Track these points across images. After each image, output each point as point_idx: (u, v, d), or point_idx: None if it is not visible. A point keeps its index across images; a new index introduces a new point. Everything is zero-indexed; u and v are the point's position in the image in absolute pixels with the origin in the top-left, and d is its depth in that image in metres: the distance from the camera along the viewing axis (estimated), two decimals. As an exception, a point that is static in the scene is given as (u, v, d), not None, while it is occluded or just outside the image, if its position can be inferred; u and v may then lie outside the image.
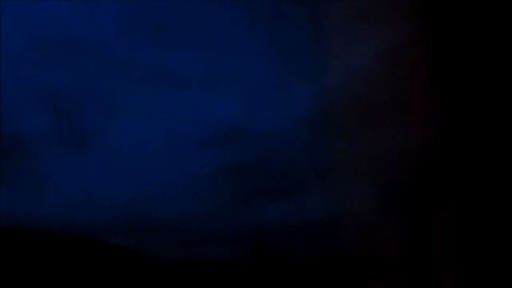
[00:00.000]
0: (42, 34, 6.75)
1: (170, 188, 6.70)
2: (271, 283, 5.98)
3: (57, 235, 5.95)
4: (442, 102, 3.28)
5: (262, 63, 6.81)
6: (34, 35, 6.71)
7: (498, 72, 2.97)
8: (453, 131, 3.23)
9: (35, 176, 6.46)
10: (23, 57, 6.58)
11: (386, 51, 3.78)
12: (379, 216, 4.22)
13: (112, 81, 6.93)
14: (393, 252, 4.08)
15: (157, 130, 6.98)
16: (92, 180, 6.52)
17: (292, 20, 6.03)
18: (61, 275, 5.68)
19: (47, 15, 6.74)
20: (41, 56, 6.65)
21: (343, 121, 4.33)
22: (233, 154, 6.78)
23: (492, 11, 3.00)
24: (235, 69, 6.95)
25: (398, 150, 3.80)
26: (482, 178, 3.16)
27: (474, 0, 3.05)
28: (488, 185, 3.09)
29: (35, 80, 6.61)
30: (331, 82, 4.68)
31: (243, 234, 6.22)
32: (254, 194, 6.55)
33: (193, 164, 6.78)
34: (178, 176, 6.78)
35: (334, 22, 4.18)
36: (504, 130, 2.95)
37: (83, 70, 6.81)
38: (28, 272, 5.56)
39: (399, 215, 4.11)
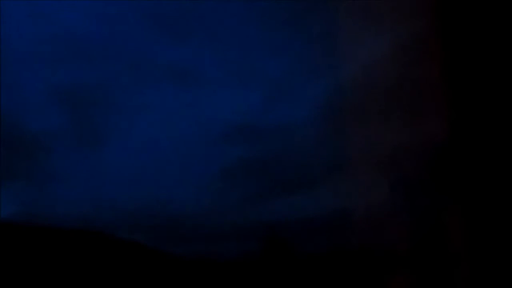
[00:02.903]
0: (57, 31, 6.79)
1: (183, 184, 6.71)
2: (284, 278, 5.96)
3: (70, 232, 5.99)
4: (455, 97, 3.23)
5: (276, 59, 6.79)
6: (48, 32, 6.75)
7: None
8: (467, 125, 3.18)
9: (49, 173, 6.52)
10: (37, 54, 6.63)
11: (400, 45, 3.74)
12: (392, 211, 4.18)
13: (126, 79, 6.96)
14: (406, 247, 4.02)
15: (171, 126, 7.00)
16: (105, 177, 6.55)
17: (306, 16, 5.99)
18: (74, 271, 5.71)
19: (61, 13, 6.78)
20: (55, 53, 6.70)
21: (356, 116, 4.30)
22: (246, 150, 6.77)
23: (506, 7, 2.95)
24: (249, 65, 6.94)
25: (412, 145, 3.76)
26: (497, 173, 3.10)
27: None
28: (503, 180, 3.04)
29: (50, 78, 6.66)
30: (345, 77, 4.63)
31: (256, 229, 6.21)
32: (267, 190, 6.54)
33: (206, 160, 6.78)
34: (192, 172, 6.79)
35: (347, 17, 4.15)
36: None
37: (97, 67, 6.84)
38: (42, 268, 5.60)
39: (412, 209, 4.06)
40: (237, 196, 6.67)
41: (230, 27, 6.88)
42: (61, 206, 6.30)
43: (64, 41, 6.74)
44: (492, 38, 2.97)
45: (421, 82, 3.46)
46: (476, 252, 3.22)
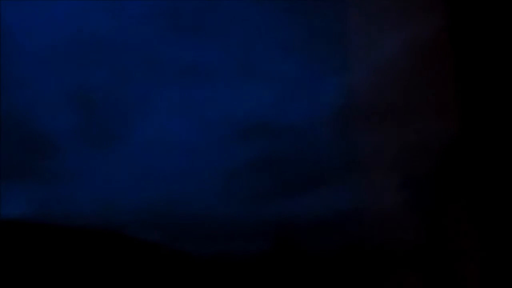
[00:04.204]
0: (69, 31, 6.81)
1: (194, 183, 6.72)
2: (293, 276, 5.96)
3: (82, 231, 6.02)
4: (466, 97, 3.22)
5: (289, 57, 6.77)
6: (60, 33, 6.77)
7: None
8: (477, 125, 3.17)
9: (61, 172, 6.53)
10: (49, 55, 6.66)
11: (412, 46, 3.75)
12: (402, 210, 4.17)
13: (137, 78, 6.96)
14: (415, 246, 4.02)
15: (184, 125, 6.99)
16: (116, 176, 6.56)
17: (320, 14, 5.97)
18: (88, 270, 5.74)
19: (74, 13, 6.80)
20: (66, 53, 6.72)
21: (367, 115, 4.30)
22: (258, 149, 6.76)
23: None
24: (263, 63, 6.92)
25: (422, 145, 3.75)
26: (506, 173, 3.09)
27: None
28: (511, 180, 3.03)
29: (61, 78, 6.68)
30: (357, 77, 4.64)
31: (266, 228, 6.21)
32: (278, 188, 6.53)
33: (219, 159, 6.77)
34: (203, 170, 6.78)
35: (360, 16, 4.16)
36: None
37: (108, 67, 6.85)
38: (55, 267, 5.63)
39: (421, 209, 4.05)
40: (248, 194, 6.67)
41: (242, 24, 6.87)
42: (72, 205, 6.32)
43: (74, 40, 6.77)
44: (504, 37, 2.94)
45: (432, 82, 3.45)
46: (484, 251, 3.20)
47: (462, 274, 3.56)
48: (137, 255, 6.07)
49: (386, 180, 4.33)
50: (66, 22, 6.79)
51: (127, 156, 6.62)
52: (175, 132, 6.90)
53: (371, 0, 4.11)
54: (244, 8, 6.72)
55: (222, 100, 6.89)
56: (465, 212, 3.43)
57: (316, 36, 6.27)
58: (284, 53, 6.70)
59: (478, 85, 2.98)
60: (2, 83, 6.23)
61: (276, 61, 6.78)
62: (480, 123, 3.01)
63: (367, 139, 4.43)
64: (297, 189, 6.41)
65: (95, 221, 6.08)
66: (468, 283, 3.55)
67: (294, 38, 6.57)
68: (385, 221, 4.43)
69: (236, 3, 6.73)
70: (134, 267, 5.94)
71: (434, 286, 3.77)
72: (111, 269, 5.80)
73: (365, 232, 4.82)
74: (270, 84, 6.85)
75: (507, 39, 2.92)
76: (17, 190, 6.24)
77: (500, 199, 3.04)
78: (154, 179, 6.57)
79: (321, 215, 6.03)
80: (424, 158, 3.80)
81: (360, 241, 5.14)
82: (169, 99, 6.94)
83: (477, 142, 3.05)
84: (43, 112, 6.63)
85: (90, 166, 6.54)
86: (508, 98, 2.93)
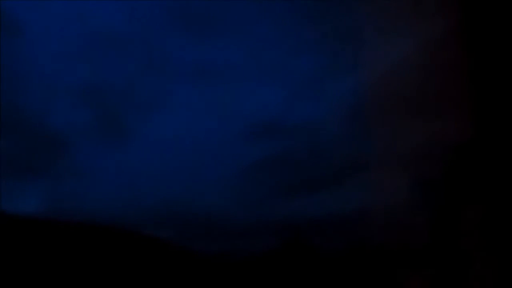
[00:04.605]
0: (83, 29, 6.86)
1: (206, 181, 6.73)
2: (304, 274, 5.96)
3: (93, 227, 6.04)
4: (478, 97, 3.21)
5: (301, 57, 6.77)
6: (75, 30, 6.82)
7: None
8: (489, 127, 3.16)
9: (74, 169, 6.57)
10: (64, 52, 6.71)
11: (425, 45, 3.74)
12: (413, 209, 4.17)
13: (150, 76, 6.99)
14: (425, 245, 4.01)
15: (197, 123, 7.02)
16: (129, 173, 6.60)
17: (333, 15, 5.97)
18: (97, 266, 5.76)
19: (88, 11, 6.84)
20: (81, 51, 6.76)
21: (379, 114, 4.29)
22: (270, 147, 6.77)
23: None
24: (274, 63, 6.93)
25: (434, 144, 3.74)
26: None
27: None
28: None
29: (75, 76, 6.72)
30: (369, 76, 4.63)
31: (278, 226, 6.22)
32: (289, 187, 6.54)
33: (230, 157, 6.80)
34: (215, 169, 6.80)
35: (373, 17, 4.15)
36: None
37: (122, 65, 6.89)
38: (66, 263, 5.65)
39: (432, 208, 4.04)
40: (259, 193, 6.68)
41: (255, 24, 6.89)
42: (84, 202, 6.36)
43: (87, 38, 6.81)
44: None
45: (444, 82, 3.44)
46: (493, 254, 3.19)
47: (469, 275, 3.56)
48: (145, 251, 6.09)
49: (396, 180, 4.32)
50: (80, 20, 6.84)
51: (138, 153, 6.67)
52: (187, 131, 6.92)
53: (385, 1, 4.11)
54: (257, 8, 6.74)
55: (234, 99, 6.92)
56: (474, 214, 3.42)
57: (329, 35, 6.27)
58: (297, 52, 6.71)
59: (492, 85, 2.98)
60: (15, 81, 6.30)
61: (289, 61, 6.80)
62: (491, 124, 3.01)
63: (378, 139, 4.43)
64: (308, 188, 6.42)
65: (105, 217, 6.12)
66: (475, 284, 3.54)
67: (307, 37, 6.58)
68: (394, 221, 4.42)
69: (249, 4, 6.76)
70: (141, 263, 5.96)
71: (441, 286, 3.76)
72: (119, 265, 5.82)
73: (374, 232, 4.82)
74: (283, 84, 6.87)
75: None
76: (30, 187, 6.31)
77: (508, 201, 3.03)
78: (165, 177, 6.61)
79: (330, 214, 6.04)
80: (435, 159, 3.79)
81: (369, 241, 5.13)
82: (182, 97, 6.97)
83: (487, 144, 3.05)
84: (56, 110, 6.70)
85: (102, 163, 6.58)
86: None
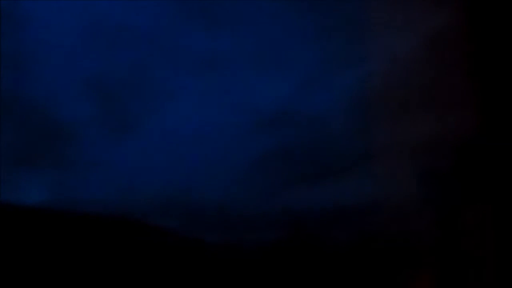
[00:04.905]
0: (88, 20, 6.86)
1: (214, 173, 6.75)
2: (308, 267, 5.98)
3: (100, 218, 6.07)
4: (483, 91, 3.20)
5: (309, 48, 6.76)
6: (80, 21, 6.83)
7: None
8: (494, 120, 3.14)
9: (80, 160, 6.60)
10: (68, 43, 6.72)
11: (429, 38, 3.75)
12: (417, 203, 4.16)
13: (157, 66, 6.99)
14: (429, 240, 4.00)
15: (203, 114, 7.02)
16: (136, 164, 6.63)
17: (341, 5, 5.94)
18: (104, 257, 5.80)
19: (93, 2, 6.84)
20: (86, 41, 6.77)
21: (385, 107, 4.30)
22: (276, 139, 6.76)
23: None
24: (282, 54, 6.91)
25: (439, 138, 3.73)
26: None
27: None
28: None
29: (81, 66, 6.74)
30: (375, 69, 4.65)
31: (282, 218, 6.23)
32: (295, 178, 6.54)
33: (237, 148, 6.80)
34: (222, 160, 6.82)
35: (381, 8, 4.16)
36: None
37: (129, 55, 6.89)
38: (73, 255, 5.70)
39: (437, 202, 4.02)
40: (265, 184, 6.70)
41: (264, 14, 6.86)
42: (91, 193, 6.40)
43: (96, 29, 6.82)
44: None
45: (451, 76, 3.42)
46: (498, 247, 3.17)
47: (475, 269, 3.54)
48: (152, 241, 6.14)
49: (402, 173, 4.32)
50: (85, 11, 6.85)
51: (146, 144, 6.68)
52: (195, 121, 6.93)
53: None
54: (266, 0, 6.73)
55: (241, 90, 6.91)
56: (478, 212, 3.41)
57: (337, 27, 6.23)
58: (305, 43, 6.69)
59: (495, 79, 2.95)
60: (23, 72, 6.33)
61: (297, 52, 6.78)
62: (497, 116, 2.98)
63: (384, 131, 4.42)
64: (314, 179, 6.42)
65: (114, 208, 6.15)
66: (480, 279, 3.52)
67: (316, 28, 6.56)
68: (400, 214, 4.42)
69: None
70: (149, 254, 6.00)
71: (447, 280, 3.75)
72: (125, 255, 5.87)
73: (379, 224, 4.82)
74: (291, 74, 6.85)
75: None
76: (38, 177, 6.36)
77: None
78: (173, 167, 6.63)
79: (336, 206, 6.04)
80: (440, 152, 3.78)
81: (373, 233, 5.14)
82: (190, 88, 6.97)
83: (494, 138, 3.02)
84: (63, 101, 6.72)
85: (110, 154, 6.60)
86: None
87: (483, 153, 3.20)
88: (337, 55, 6.33)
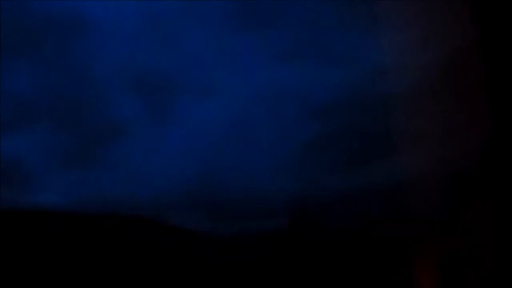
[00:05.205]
0: (137, 18, 7.02)
1: (262, 162, 6.83)
2: (314, 251, 5.91)
3: (122, 218, 6.16)
4: (499, 99, 3.27)
5: (359, 39, 6.75)
6: (128, 19, 6.98)
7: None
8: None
9: (119, 158, 6.72)
10: (115, 42, 6.87)
11: (452, 52, 3.80)
12: (436, 193, 4.17)
13: (207, 59, 7.09)
14: (431, 237, 3.99)
15: (252, 107, 7.07)
16: (181, 157, 6.72)
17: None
18: (123, 256, 5.90)
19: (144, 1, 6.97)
20: (132, 39, 6.90)
21: (418, 105, 4.42)
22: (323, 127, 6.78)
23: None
24: (332, 45, 6.93)
25: (462, 134, 3.78)
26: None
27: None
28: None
29: (126, 65, 6.87)
30: (419, 63, 4.86)
31: (287, 207, 6.21)
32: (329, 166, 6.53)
33: (285, 138, 6.86)
34: (270, 150, 6.88)
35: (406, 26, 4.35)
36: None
37: (176, 52, 7.01)
38: (95, 253, 5.83)
39: (453, 195, 3.99)
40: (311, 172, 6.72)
41: (312, 8, 6.86)
42: (134, 190, 6.49)
43: (141, 26, 6.96)
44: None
45: (472, 83, 3.48)
46: (498, 247, 3.14)
47: (475, 269, 3.52)
48: (175, 242, 6.21)
49: (423, 163, 4.36)
50: (134, 9, 6.98)
51: (190, 138, 6.78)
52: (243, 115, 6.98)
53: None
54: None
55: (290, 80, 6.93)
56: (481, 210, 3.39)
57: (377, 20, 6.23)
58: (354, 34, 6.67)
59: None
60: (66, 70, 6.51)
61: (345, 42, 6.75)
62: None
63: (414, 122, 4.48)
64: (346, 165, 6.37)
65: (148, 204, 6.27)
66: (480, 279, 3.51)
67: (361, 22, 6.55)
68: (417, 201, 4.45)
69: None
70: (170, 254, 6.06)
71: (447, 280, 3.72)
72: (148, 255, 5.98)
73: (395, 209, 4.86)
74: (337, 66, 6.83)
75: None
76: (66, 178, 6.52)
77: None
78: (214, 161, 6.72)
79: (344, 193, 6.01)
80: (464, 149, 3.82)
81: (378, 223, 5.11)
82: (240, 81, 7.03)
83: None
84: (110, 101, 6.84)
85: (155, 150, 6.74)
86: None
87: (500, 151, 3.24)
88: (380, 46, 6.30)
